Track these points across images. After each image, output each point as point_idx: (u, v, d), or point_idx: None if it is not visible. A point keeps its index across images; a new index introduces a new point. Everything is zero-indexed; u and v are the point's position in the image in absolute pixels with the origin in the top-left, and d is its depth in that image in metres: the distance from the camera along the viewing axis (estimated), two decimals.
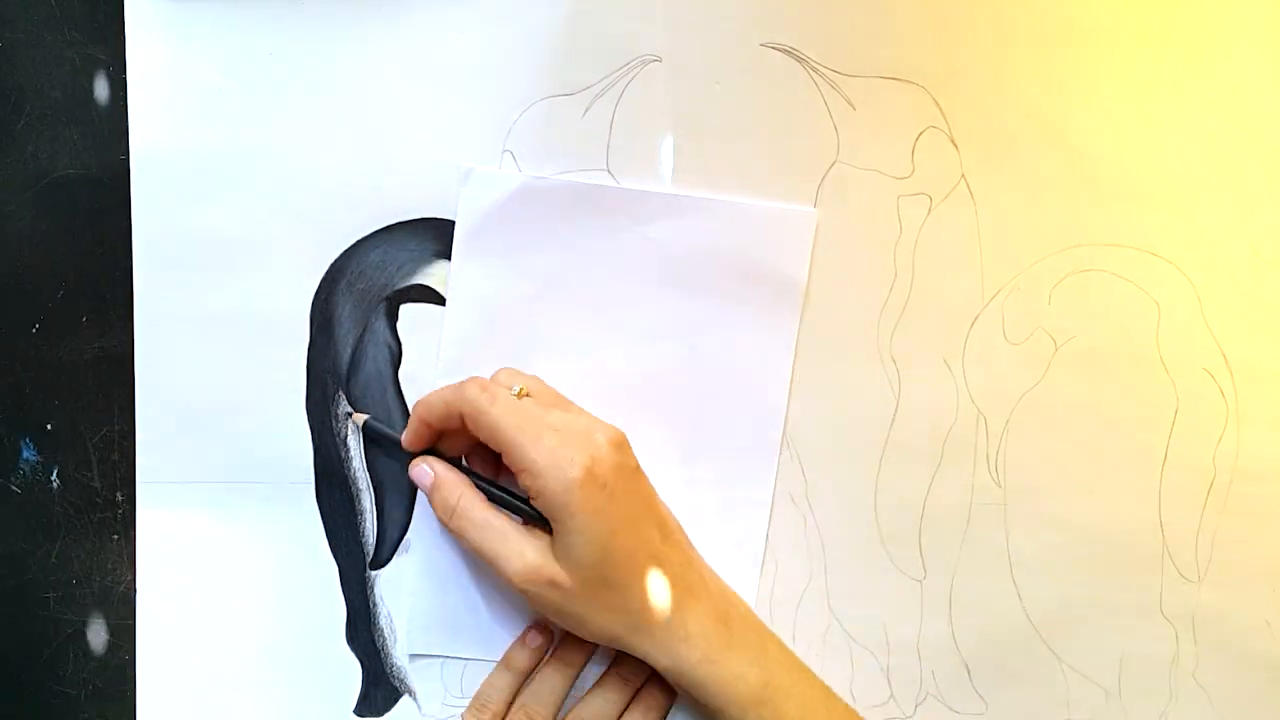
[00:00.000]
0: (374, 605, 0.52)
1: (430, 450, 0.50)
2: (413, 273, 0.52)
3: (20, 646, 0.51)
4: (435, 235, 0.51)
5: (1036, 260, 0.52)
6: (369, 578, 0.52)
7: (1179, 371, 0.52)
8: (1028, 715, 0.53)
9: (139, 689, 0.52)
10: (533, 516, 0.47)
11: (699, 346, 0.52)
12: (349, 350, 0.52)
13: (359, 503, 0.52)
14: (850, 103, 0.51)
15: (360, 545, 0.52)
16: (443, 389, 0.48)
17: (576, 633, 0.47)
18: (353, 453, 0.52)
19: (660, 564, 0.46)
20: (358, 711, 0.53)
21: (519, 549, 0.46)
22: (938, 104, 0.51)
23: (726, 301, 0.51)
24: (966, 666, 0.53)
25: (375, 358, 0.52)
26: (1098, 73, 0.51)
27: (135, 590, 0.51)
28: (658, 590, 0.46)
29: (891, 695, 0.53)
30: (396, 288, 0.52)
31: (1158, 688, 0.53)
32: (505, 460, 0.46)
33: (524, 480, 0.45)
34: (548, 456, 0.44)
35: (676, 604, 0.46)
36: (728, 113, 0.51)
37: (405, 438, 0.49)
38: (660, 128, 0.51)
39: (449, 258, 0.51)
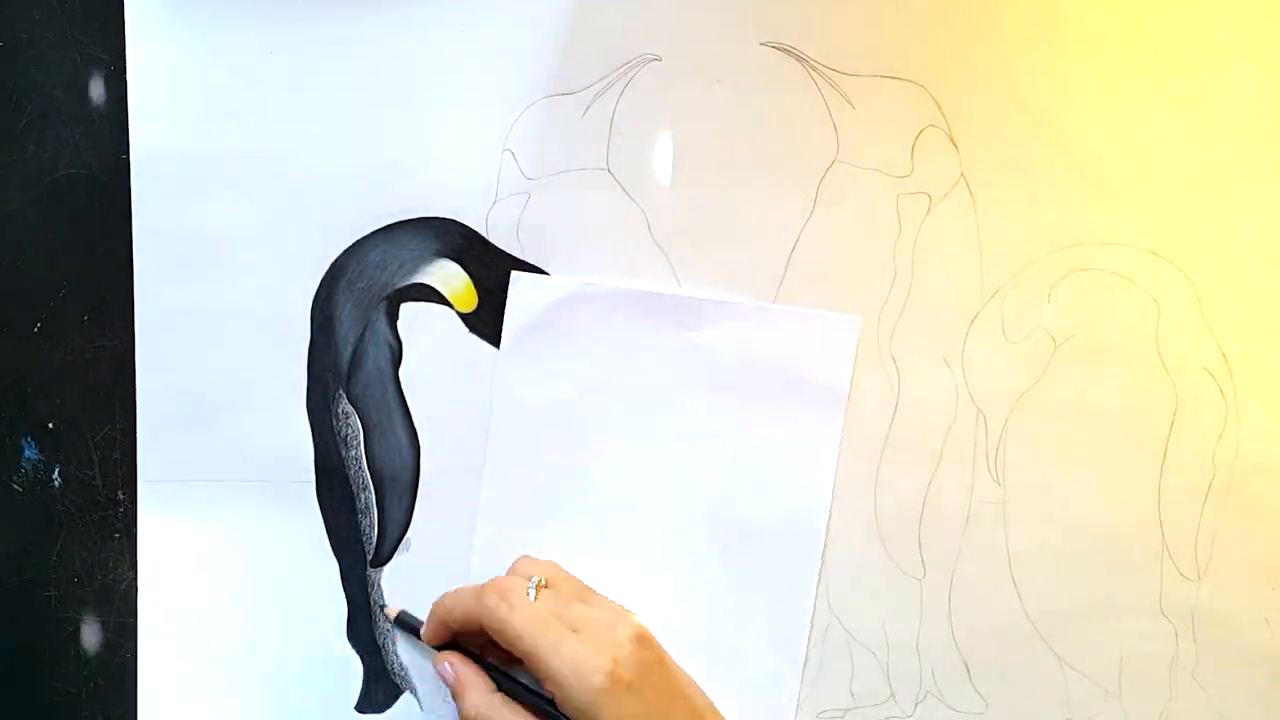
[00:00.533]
0: (374, 602, 0.52)
1: (453, 644, 0.50)
2: (413, 271, 0.52)
3: (21, 645, 0.52)
4: (436, 234, 0.51)
5: (1036, 259, 0.52)
6: (370, 575, 0.52)
7: (1178, 370, 0.52)
8: (1027, 714, 0.53)
9: (140, 686, 0.52)
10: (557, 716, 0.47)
11: (741, 452, 0.52)
12: (349, 349, 0.52)
13: (359, 501, 0.52)
14: (850, 101, 0.51)
15: (361, 543, 0.52)
16: (462, 594, 0.49)
17: None
18: (353, 451, 0.52)
19: None
20: (359, 708, 0.53)
21: None
22: (937, 103, 0.51)
23: (771, 407, 0.51)
24: (966, 665, 0.53)
25: (376, 356, 0.52)
26: (1097, 71, 0.51)
27: (136, 589, 0.51)
28: None
29: (891, 694, 0.53)
30: (397, 286, 0.52)
31: (1157, 686, 0.53)
32: (528, 667, 0.46)
33: (549, 688, 0.45)
34: (570, 665, 0.44)
35: None
36: (727, 111, 0.51)
37: (425, 635, 0.50)
38: (660, 126, 0.51)
39: (450, 257, 0.52)
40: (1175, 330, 0.52)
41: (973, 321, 0.52)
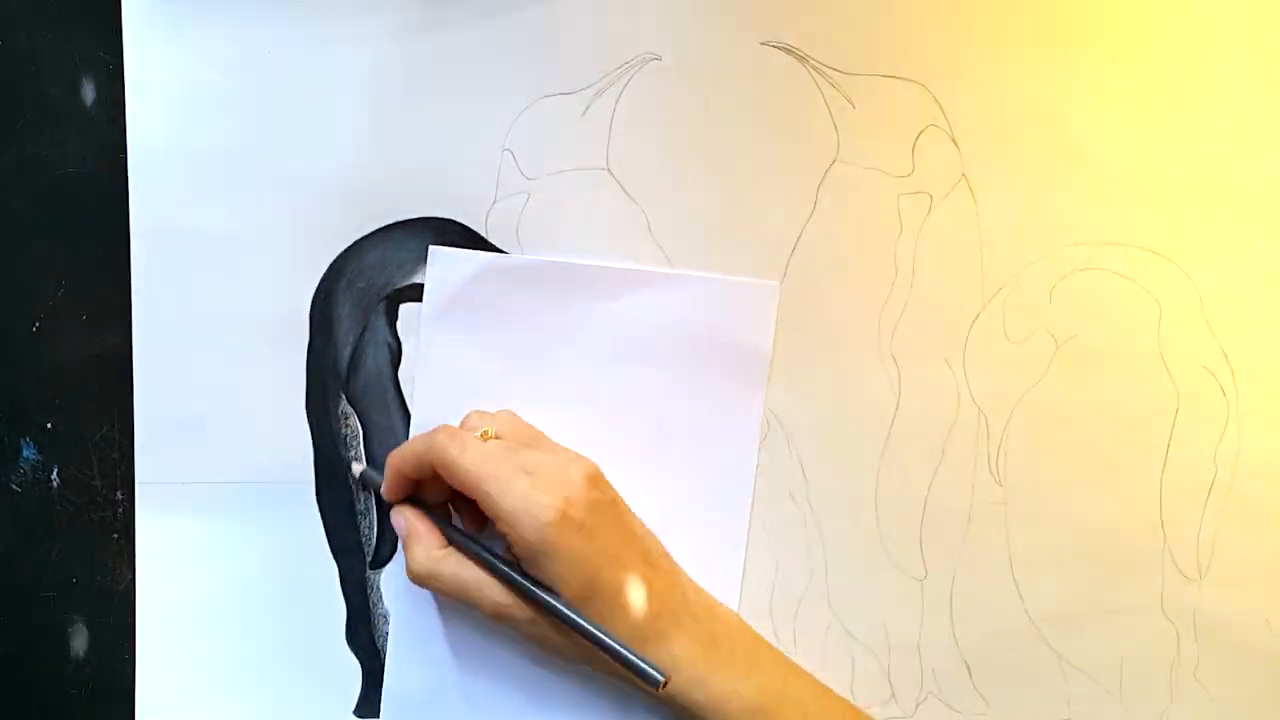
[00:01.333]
0: (374, 605, 0.52)
1: (413, 498, 0.49)
2: (412, 272, 0.51)
3: (20, 645, 0.51)
4: (434, 235, 0.51)
5: (1037, 259, 0.52)
6: (369, 578, 0.52)
7: (1180, 370, 0.52)
8: (1029, 714, 0.53)
9: (138, 690, 0.51)
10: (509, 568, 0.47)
11: (666, 420, 0.52)
12: (349, 350, 0.52)
13: (359, 502, 0.52)
14: (850, 101, 0.51)
15: (360, 545, 0.52)
16: (414, 440, 0.48)
17: (560, 659, 0.47)
18: (353, 452, 0.52)
19: (644, 594, 0.46)
20: (357, 712, 0.52)
21: (490, 596, 0.46)
22: (938, 102, 0.51)
23: (692, 375, 0.52)
24: (967, 666, 0.53)
25: (375, 357, 0.52)
26: (1099, 71, 0.51)
27: (135, 590, 0.51)
28: (642, 620, 0.46)
29: (893, 695, 0.53)
30: (396, 287, 0.52)
31: (1158, 687, 0.53)
32: (481, 508, 0.46)
33: (500, 528, 0.45)
34: (520, 503, 0.44)
35: (661, 632, 0.46)
36: (728, 111, 0.51)
37: (384, 489, 0.49)
38: (660, 126, 0.51)
39: None
40: (1176, 330, 0.52)
41: (974, 321, 0.52)
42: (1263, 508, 0.53)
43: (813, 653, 0.53)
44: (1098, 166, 0.51)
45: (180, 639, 0.52)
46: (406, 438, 0.51)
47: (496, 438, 0.48)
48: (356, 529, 0.52)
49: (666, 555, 0.49)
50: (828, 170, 0.51)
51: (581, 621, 0.45)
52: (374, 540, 0.52)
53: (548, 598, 0.45)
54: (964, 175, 0.51)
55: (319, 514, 0.52)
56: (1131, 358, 0.52)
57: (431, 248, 0.51)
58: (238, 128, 0.50)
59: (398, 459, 0.48)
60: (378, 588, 0.52)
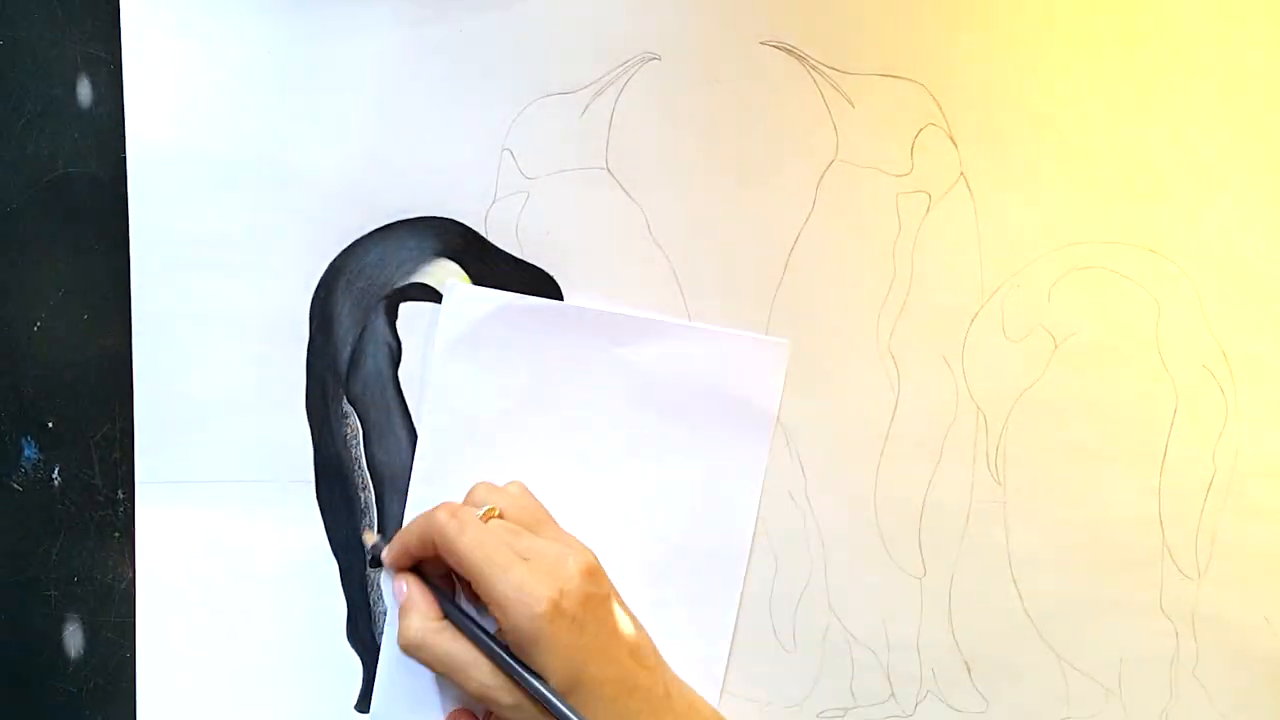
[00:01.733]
0: (374, 602, 0.52)
1: (416, 568, 0.49)
2: (412, 271, 0.52)
3: (21, 644, 0.52)
4: (434, 234, 0.51)
5: (1036, 257, 0.52)
6: (369, 575, 0.52)
7: (1179, 368, 0.52)
8: (1028, 713, 0.53)
9: (139, 688, 0.52)
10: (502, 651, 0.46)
11: (671, 468, 0.52)
12: (348, 349, 0.52)
13: (359, 501, 0.52)
14: (849, 100, 0.51)
15: (360, 543, 0.52)
16: (418, 518, 0.48)
17: None
18: (352, 451, 0.52)
19: (629, 689, 0.46)
20: (358, 708, 0.53)
21: (477, 675, 0.46)
22: (937, 101, 0.51)
23: (699, 425, 0.52)
24: (966, 664, 0.53)
25: (375, 356, 0.52)
26: (1097, 70, 0.51)
27: (136, 588, 0.51)
28: (625, 715, 0.45)
29: (892, 694, 0.53)
30: (396, 286, 0.52)
31: (1158, 685, 0.53)
32: (475, 590, 0.46)
33: (493, 612, 0.45)
34: (514, 591, 0.44)
35: (638, 717, 0.46)
36: (727, 111, 0.51)
37: (386, 559, 0.50)
38: (659, 126, 0.51)
39: (449, 256, 0.51)
40: (1175, 328, 0.52)
41: (973, 320, 0.52)
42: (1262, 506, 0.53)
43: (812, 651, 0.53)
44: (1097, 165, 0.51)
45: (181, 637, 0.52)
46: (406, 437, 0.52)
47: (500, 516, 0.48)
48: (356, 527, 0.52)
49: (655, 652, 0.49)
50: (826, 169, 0.51)
51: (567, 712, 0.44)
52: (376, 585, 0.52)
53: (540, 686, 0.44)
54: (962, 174, 0.51)
55: (319, 512, 0.52)
56: (1130, 356, 0.52)
57: (448, 282, 0.51)
58: (237, 127, 0.50)
59: (401, 534, 0.49)
60: (378, 585, 0.52)
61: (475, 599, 0.48)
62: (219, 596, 0.52)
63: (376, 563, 0.51)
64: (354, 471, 0.52)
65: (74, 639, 0.52)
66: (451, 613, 0.48)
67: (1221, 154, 0.51)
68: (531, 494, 0.50)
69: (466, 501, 0.50)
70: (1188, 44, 0.51)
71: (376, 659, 0.52)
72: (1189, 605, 0.53)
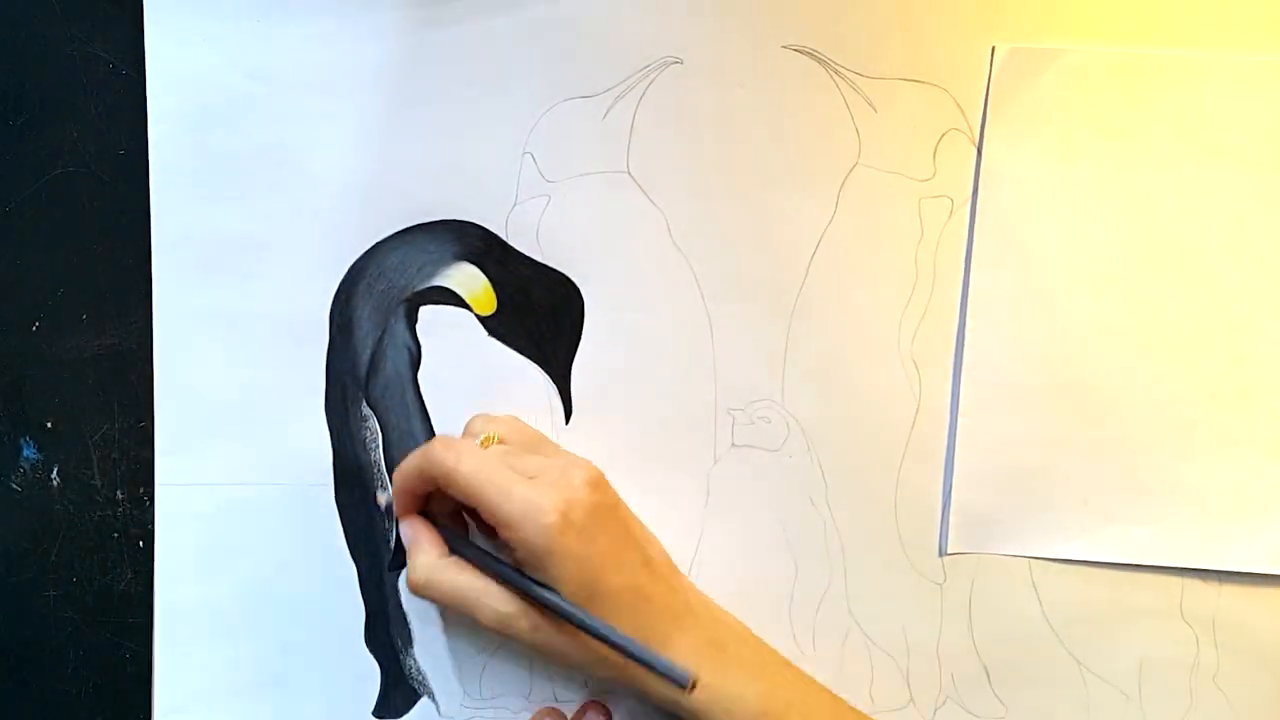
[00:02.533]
0: (392, 607, 0.52)
1: (425, 511, 0.49)
2: (432, 274, 0.52)
3: (21, 645, 0.51)
4: (455, 237, 0.51)
5: None
6: (387, 579, 0.52)
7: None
8: (1047, 719, 0.53)
9: (156, 691, 0.52)
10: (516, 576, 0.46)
11: None
12: (368, 352, 0.52)
13: (376, 506, 0.52)
14: (871, 104, 0.51)
15: (378, 546, 0.52)
16: (411, 455, 0.47)
17: (562, 667, 0.47)
18: (372, 454, 0.52)
19: (646, 598, 0.46)
20: (376, 713, 0.52)
21: (491, 604, 0.46)
22: (960, 106, 0.51)
23: None
24: (986, 670, 0.53)
25: (394, 359, 0.52)
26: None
27: (136, 588, 0.51)
28: (644, 625, 0.45)
29: (911, 699, 0.53)
30: (416, 289, 0.52)
31: (1178, 692, 0.53)
32: (483, 517, 0.45)
33: (502, 534, 0.45)
34: (520, 507, 0.44)
35: (664, 635, 0.46)
36: (749, 115, 0.51)
37: (395, 508, 0.49)
38: (681, 130, 0.51)
39: (469, 260, 0.51)
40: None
41: None
42: None
43: (831, 656, 0.53)
44: None
45: (199, 640, 0.52)
46: (426, 440, 0.51)
47: (500, 442, 0.48)
48: (375, 531, 0.52)
49: (668, 559, 0.49)
50: (849, 174, 0.51)
51: (595, 623, 0.44)
52: (392, 542, 0.52)
53: (555, 597, 0.44)
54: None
55: (337, 515, 0.52)
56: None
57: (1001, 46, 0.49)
58: (258, 131, 0.50)
59: (400, 475, 0.48)
60: (396, 589, 0.52)
61: (487, 531, 0.48)
62: (237, 600, 0.52)
63: (391, 516, 0.51)
64: (373, 475, 0.52)
65: (74, 639, 0.52)
66: (459, 545, 0.47)
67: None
68: (524, 422, 0.50)
69: (465, 432, 0.50)
70: (1209, 43, 0.51)
71: (395, 663, 0.52)
72: (1209, 612, 0.53)
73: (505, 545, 0.45)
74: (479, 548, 0.47)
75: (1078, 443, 0.51)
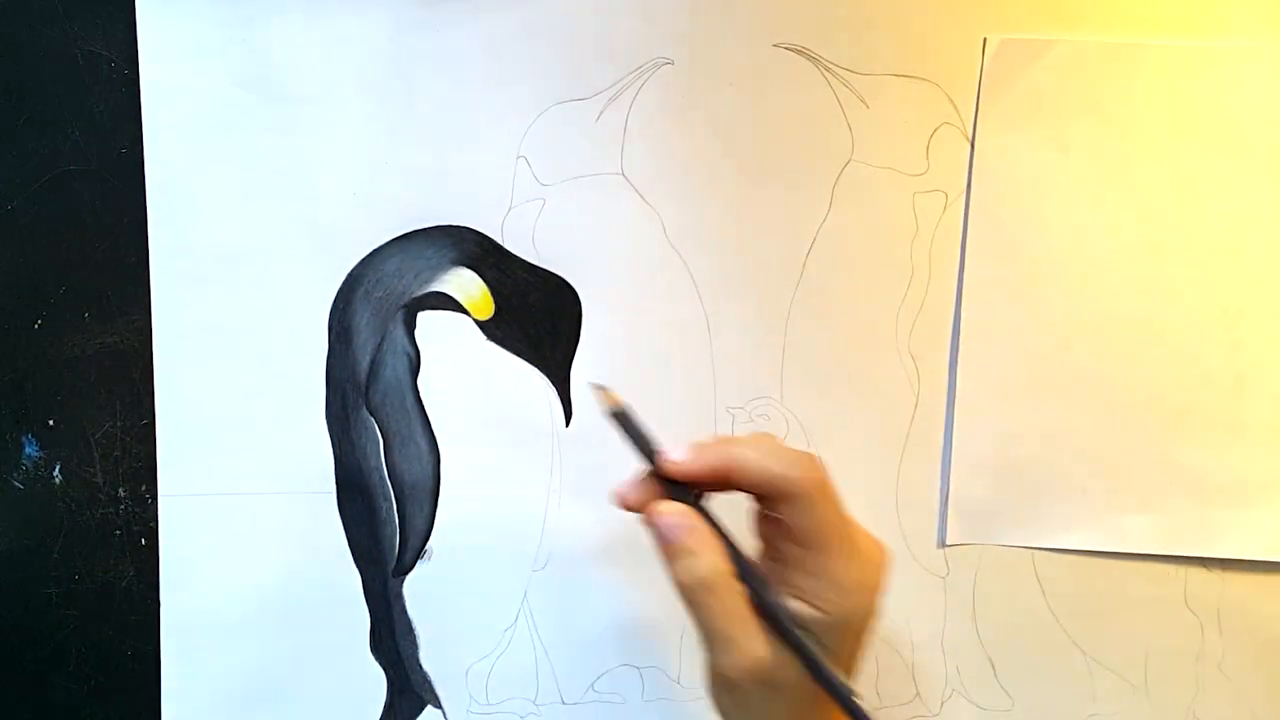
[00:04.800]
0: (397, 614, 0.52)
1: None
2: (430, 280, 0.52)
3: (22, 642, 0.51)
4: (452, 243, 0.51)
5: None
6: (392, 586, 0.52)
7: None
8: (1054, 710, 0.53)
9: (163, 702, 0.51)
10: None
11: None
12: (368, 358, 0.52)
13: (380, 511, 0.52)
14: (864, 101, 0.51)
15: (382, 553, 0.52)
16: (775, 448, 0.39)
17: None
18: (373, 461, 0.52)
19: None
20: None
21: (754, 649, 0.37)
22: (951, 100, 0.51)
23: None
24: (991, 663, 0.53)
25: (394, 366, 0.52)
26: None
27: (137, 586, 0.51)
28: None
29: (917, 693, 0.53)
30: (414, 295, 0.52)
31: (1184, 680, 0.53)
32: (807, 561, 0.38)
33: (821, 593, 0.37)
34: (857, 578, 0.37)
35: None
36: (741, 114, 0.51)
37: (671, 463, 0.39)
38: (674, 130, 0.51)
39: (466, 265, 0.51)
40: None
41: None
42: None
43: None
44: None
45: (204, 650, 0.52)
46: (426, 446, 0.52)
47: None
48: (378, 537, 0.52)
49: None
50: (842, 170, 0.51)
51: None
52: (396, 548, 0.52)
53: (854, 700, 0.37)
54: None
55: (341, 523, 0.52)
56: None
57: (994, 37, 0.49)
58: (254, 138, 0.50)
59: (732, 451, 0.38)
60: (401, 596, 0.52)
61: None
62: (241, 610, 0.52)
63: (625, 423, 0.41)
64: (375, 482, 0.52)
65: (74, 638, 0.51)
66: (747, 574, 0.39)
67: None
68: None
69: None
70: (1204, 38, 0.51)
71: (400, 671, 0.52)
72: (1214, 599, 0.53)
73: (799, 591, 0.38)
74: (764, 580, 0.39)
75: (1075, 433, 0.52)
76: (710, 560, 0.38)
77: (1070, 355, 0.51)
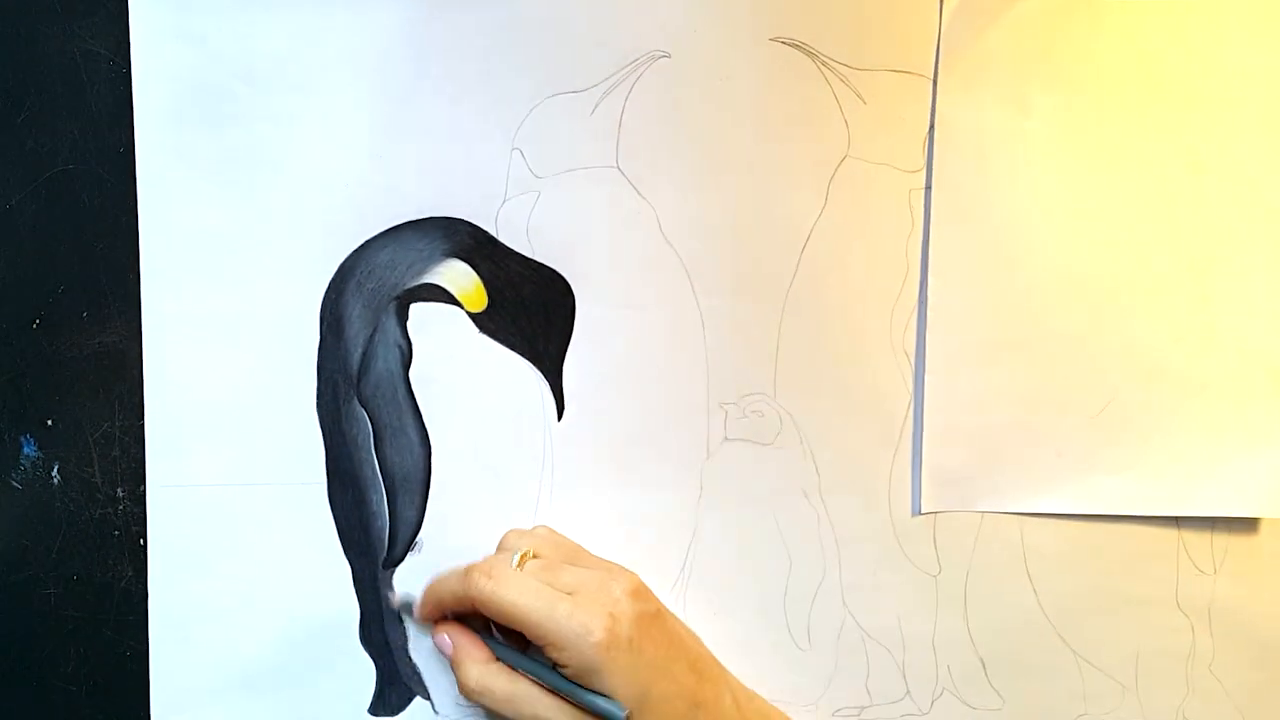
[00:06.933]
0: (386, 605, 0.52)
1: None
2: (422, 272, 0.51)
3: (21, 642, 0.51)
4: (444, 234, 0.51)
5: None
6: (381, 578, 0.52)
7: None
8: (1044, 710, 0.53)
9: (152, 692, 0.51)
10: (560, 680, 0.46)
11: None
12: (359, 350, 0.52)
13: (370, 502, 0.52)
14: (860, 96, 0.51)
15: (372, 545, 0.52)
16: (448, 577, 0.48)
17: None
18: (364, 452, 0.52)
19: (698, 707, 0.46)
20: (372, 711, 0.52)
21: (546, 713, 0.46)
22: None
23: None
24: (982, 662, 0.53)
25: (386, 358, 0.52)
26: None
27: (136, 586, 0.51)
28: None
29: (908, 692, 0.53)
30: (406, 287, 0.51)
31: (1174, 681, 0.53)
32: (529, 636, 0.45)
33: (550, 654, 0.45)
34: (566, 627, 0.44)
35: None
36: (738, 108, 0.51)
37: (420, 615, 0.50)
38: (669, 123, 0.51)
39: (459, 257, 0.51)
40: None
41: None
42: None
43: (827, 650, 0.53)
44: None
45: (194, 641, 0.51)
46: (417, 439, 0.51)
47: (535, 557, 0.48)
48: (368, 528, 0.52)
49: (714, 661, 0.49)
50: (839, 166, 0.51)
51: None
52: (386, 540, 0.52)
53: (613, 708, 0.44)
54: None
55: (331, 514, 0.52)
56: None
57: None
58: (246, 128, 0.50)
59: (434, 594, 0.49)
60: (391, 587, 0.52)
61: (517, 640, 0.48)
62: (230, 601, 0.51)
63: (406, 614, 0.52)
64: (366, 473, 0.52)
65: (74, 638, 0.51)
66: (505, 654, 0.48)
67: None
68: (558, 532, 0.51)
69: (499, 549, 0.50)
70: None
71: (390, 662, 0.52)
72: (1204, 600, 0.53)
73: (552, 661, 0.45)
74: (526, 657, 0.47)
75: (1047, 396, 0.51)
76: (476, 665, 0.47)
77: (1039, 318, 0.51)
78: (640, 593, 0.46)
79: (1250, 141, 0.51)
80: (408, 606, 0.51)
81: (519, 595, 0.45)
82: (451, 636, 0.49)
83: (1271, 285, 0.51)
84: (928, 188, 0.51)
